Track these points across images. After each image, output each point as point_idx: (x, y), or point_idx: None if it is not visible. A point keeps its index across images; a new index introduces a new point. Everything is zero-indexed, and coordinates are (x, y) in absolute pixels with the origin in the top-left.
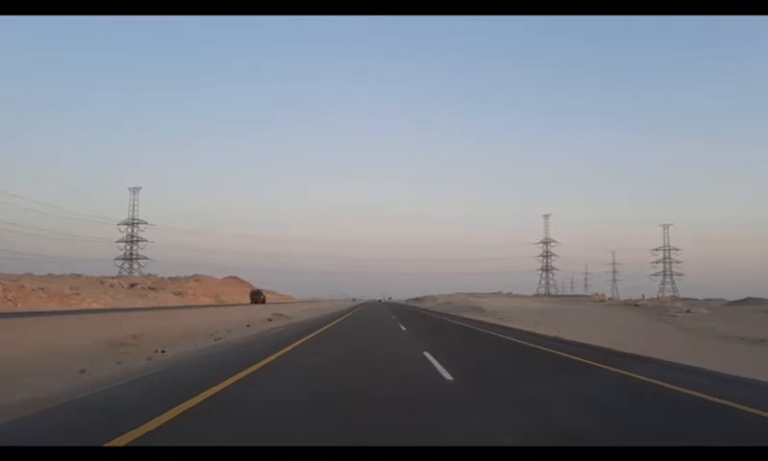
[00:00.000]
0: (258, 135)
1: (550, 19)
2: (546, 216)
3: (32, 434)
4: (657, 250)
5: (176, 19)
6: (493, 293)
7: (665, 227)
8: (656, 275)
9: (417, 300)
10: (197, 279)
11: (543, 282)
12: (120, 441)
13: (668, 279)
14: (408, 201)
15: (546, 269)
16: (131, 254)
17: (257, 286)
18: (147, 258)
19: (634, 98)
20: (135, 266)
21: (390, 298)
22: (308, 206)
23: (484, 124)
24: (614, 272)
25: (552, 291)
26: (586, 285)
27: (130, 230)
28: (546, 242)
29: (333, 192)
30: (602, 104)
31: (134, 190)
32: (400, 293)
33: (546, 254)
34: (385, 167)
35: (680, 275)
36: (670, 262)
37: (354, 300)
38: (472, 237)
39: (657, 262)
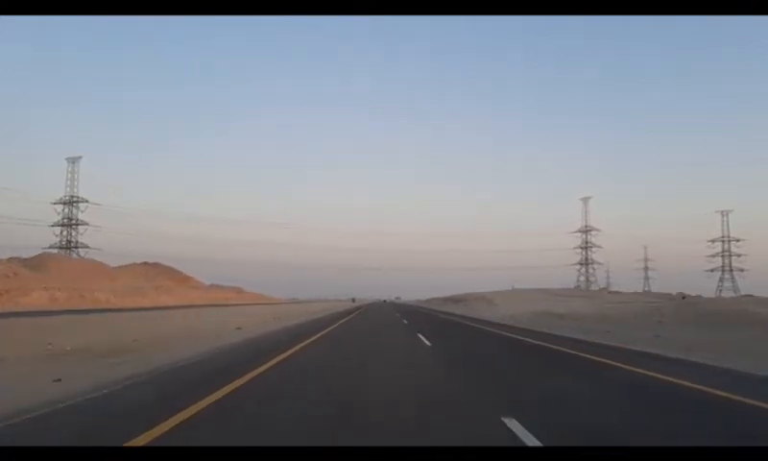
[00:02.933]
0: (257, 133)
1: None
2: (585, 199)
3: None
4: (713, 241)
5: (175, 19)
6: (570, 289)
7: (724, 214)
8: (712, 270)
9: (455, 300)
10: (39, 262)
11: (583, 278)
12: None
13: (728, 276)
14: (412, 197)
15: (586, 263)
16: (68, 241)
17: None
18: (87, 247)
19: (637, 98)
20: (75, 256)
21: (398, 298)
22: (307, 203)
23: (493, 120)
24: (647, 269)
25: (593, 288)
26: (608, 283)
27: (67, 210)
28: (585, 230)
29: (334, 188)
30: (604, 103)
31: (73, 160)
32: (408, 293)
33: (585, 246)
34: (386, 163)
35: (741, 270)
36: (730, 256)
37: (354, 300)
38: (485, 233)
39: (713, 256)
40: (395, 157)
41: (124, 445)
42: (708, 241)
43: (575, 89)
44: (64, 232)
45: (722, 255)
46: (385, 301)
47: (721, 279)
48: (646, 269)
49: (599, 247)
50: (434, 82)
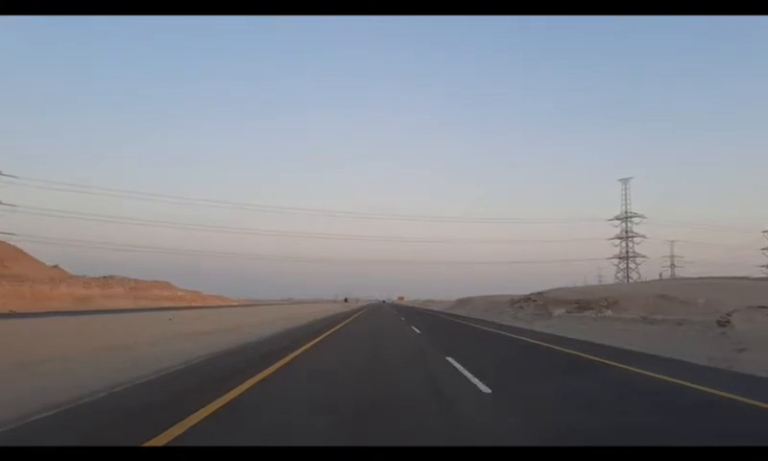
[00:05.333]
0: (257, 132)
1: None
2: (625, 180)
3: None
4: (766, 232)
5: (175, 16)
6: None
7: None
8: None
9: (542, 304)
10: None
11: (622, 275)
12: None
13: None
14: (416, 194)
15: (626, 256)
16: None
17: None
18: (10, 233)
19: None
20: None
21: (401, 298)
22: (306, 199)
23: (496, 120)
24: (673, 266)
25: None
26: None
27: None
28: (625, 218)
29: (332, 186)
30: (605, 101)
31: None
32: (412, 293)
33: (626, 236)
34: (390, 158)
35: None
36: None
37: (346, 300)
38: (501, 227)
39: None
40: (400, 155)
41: (141, 445)
42: (763, 231)
43: (579, 90)
44: None
45: None
46: (384, 301)
47: None
48: (672, 266)
49: (643, 237)
50: (435, 82)
